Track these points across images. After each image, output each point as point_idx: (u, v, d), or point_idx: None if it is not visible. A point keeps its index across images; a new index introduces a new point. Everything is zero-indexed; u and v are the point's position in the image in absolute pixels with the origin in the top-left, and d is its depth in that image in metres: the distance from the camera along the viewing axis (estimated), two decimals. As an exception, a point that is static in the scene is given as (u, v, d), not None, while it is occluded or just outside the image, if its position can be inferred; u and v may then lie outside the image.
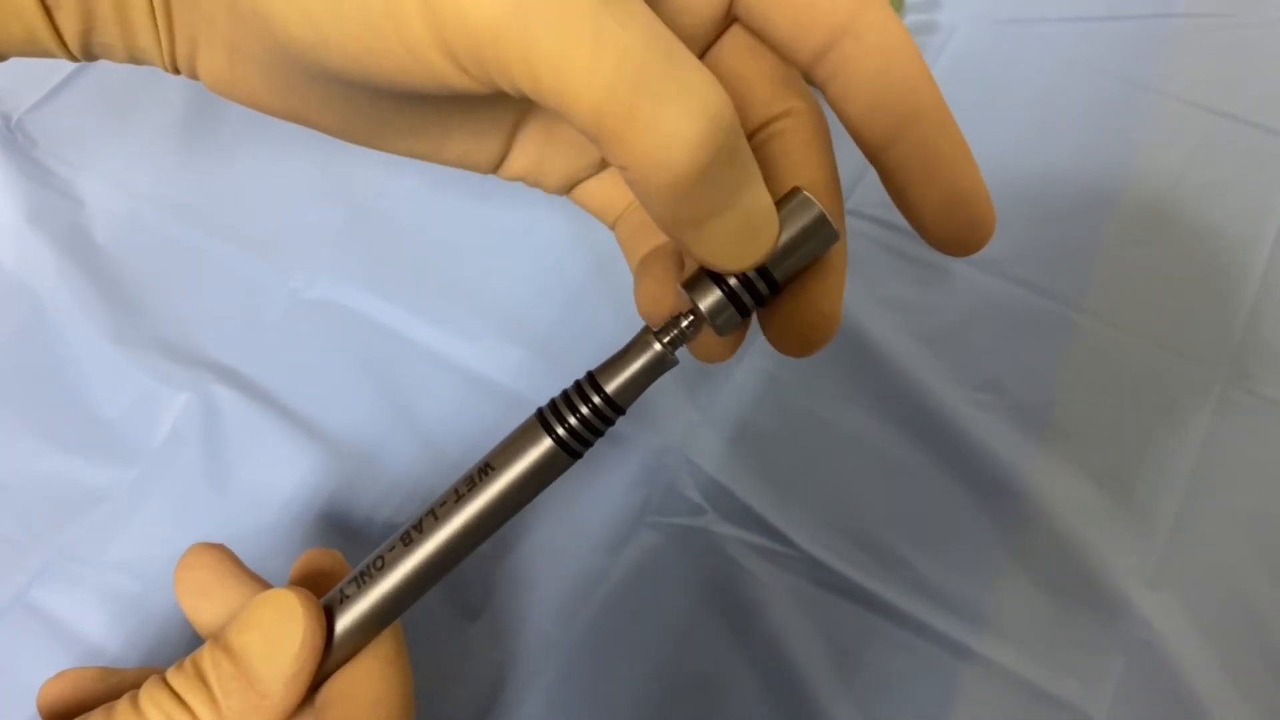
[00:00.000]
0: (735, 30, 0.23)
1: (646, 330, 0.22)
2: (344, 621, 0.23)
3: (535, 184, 0.26)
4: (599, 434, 0.22)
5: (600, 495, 0.37)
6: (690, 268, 0.22)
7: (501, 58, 0.17)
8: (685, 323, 0.22)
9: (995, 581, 0.36)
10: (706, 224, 0.18)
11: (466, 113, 0.24)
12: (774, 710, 0.34)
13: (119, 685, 0.24)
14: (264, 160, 0.44)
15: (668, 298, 0.23)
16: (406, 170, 0.44)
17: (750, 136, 0.22)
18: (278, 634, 0.22)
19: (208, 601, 0.25)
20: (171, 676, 0.22)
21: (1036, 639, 0.35)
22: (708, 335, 0.23)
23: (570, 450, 0.22)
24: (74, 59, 0.23)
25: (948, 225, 0.21)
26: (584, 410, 0.21)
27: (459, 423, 0.39)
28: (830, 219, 0.20)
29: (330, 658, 0.23)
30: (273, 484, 0.37)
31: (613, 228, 0.27)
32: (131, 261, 0.42)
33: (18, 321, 0.40)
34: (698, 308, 0.21)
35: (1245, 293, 0.41)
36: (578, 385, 0.22)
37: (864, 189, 0.44)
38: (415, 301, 0.41)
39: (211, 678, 0.22)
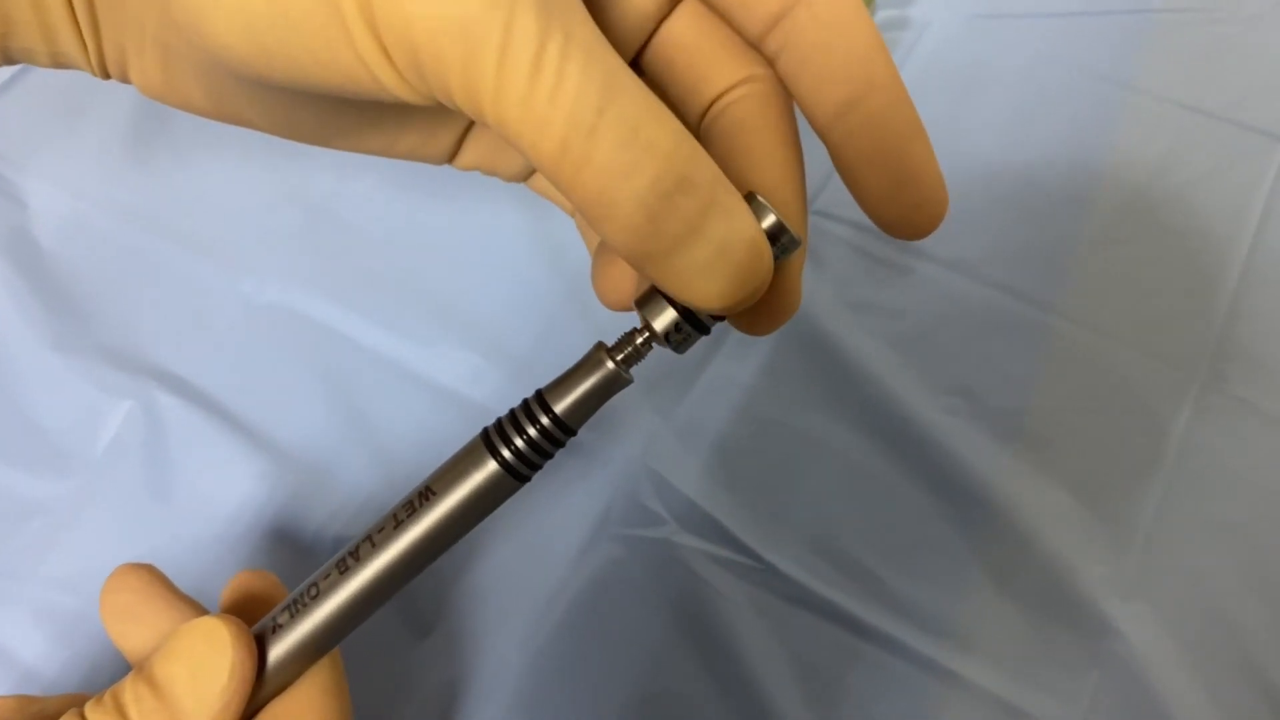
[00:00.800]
0: (688, 2, 0.22)
1: (599, 347, 0.21)
2: (276, 652, 0.22)
3: (491, 173, 0.25)
4: (548, 456, 0.21)
5: (558, 506, 0.36)
6: (644, 283, 0.21)
7: (443, 79, 0.17)
8: (640, 339, 0.20)
9: (966, 594, 0.35)
10: (669, 258, 0.17)
11: (417, 111, 0.23)
12: (736, 729, 0.33)
13: (38, 716, 0.23)
14: (217, 162, 0.42)
15: (625, 283, 0.22)
16: (364, 172, 0.42)
17: (707, 109, 0.21)
18: (205, 665, 0.21)
19: (135, 627, 0.24)
20: (90, 710, 0.21)
21: (1008, 654, 0.34)
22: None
23: (517, 474, 0.21)
24: None
25: (897, 206, 0.20)
26: (531, 432, 0.20)
27: (415, 433, 0.37)
28: (789, 228, 0.19)
29: (262, 689, 0.22)
30: (219, 496, 0.36)
31: (572, 214, 0.26)
32: (76, 266, 0.40)
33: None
34: (651, 328, 0.20)
35: (1223, 294, 0.41)
36: (525, 405, 0.21)
37: (833, 189, 0.43)
38: (371, 307, 0.39)
39: (132, 712, 0.21)
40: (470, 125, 0.24)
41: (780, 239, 0.19)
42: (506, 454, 0.20)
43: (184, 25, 0.18)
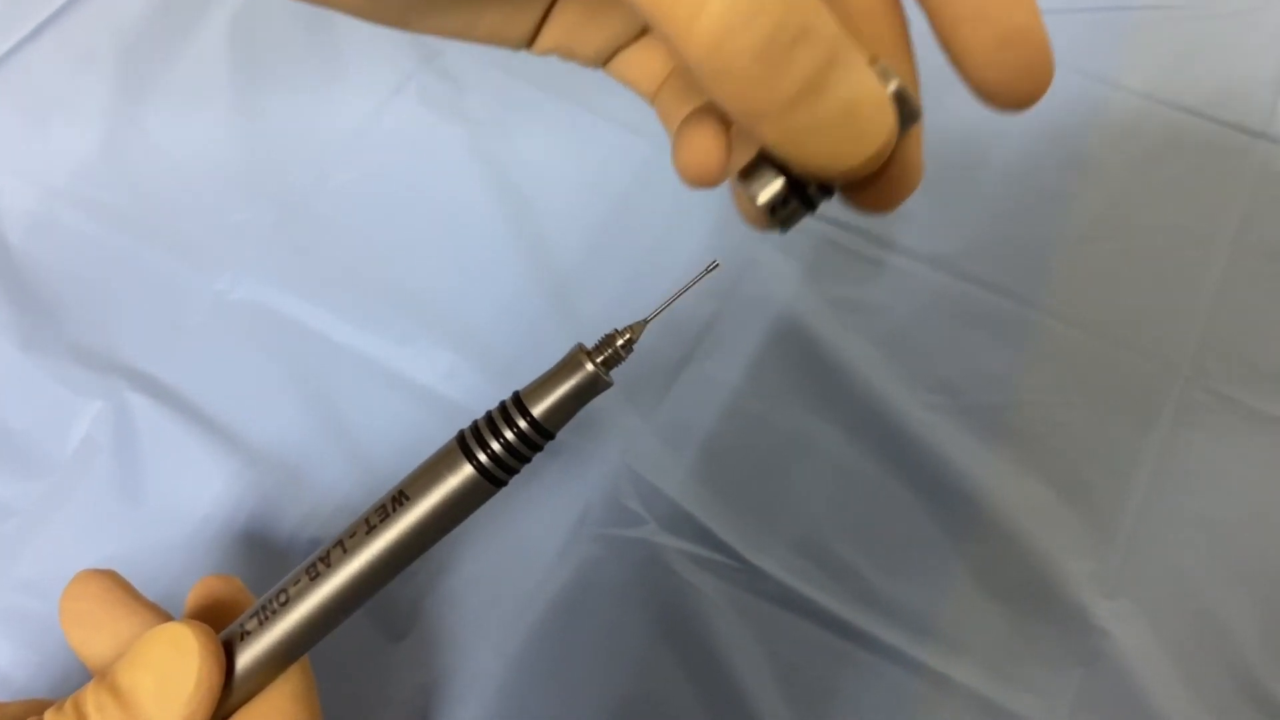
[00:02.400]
0: None
1: (579, 349, 0.20)
2: (244, 659, 0.21)
3: (570, 57, 0.24)
4: (525, 460, 0.20)
5: (536, 506, 0.36)
6: (745, 155, 0.19)
7: None
8: (621, 341, 0.20)
9: (948, 592, 0.35)
10: (789, 116, 0.16)
11: None
12: (717, 731, 0.32)
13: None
14: (190, 156, 0.42)
15: (715, 151, 0.20)
16: (339, 166, 0.42)
17: None
18: (170, 673, 0.20)
19: (96, 634, 0.23)
20: (51, 717, 0.21)
21: (991, 652, 0.33)
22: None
23: (493, 478, 0.20)
24: None
25: (1000, 69, 0.18)
26: (509, 435, 0.20)
27: (390, 432, 0.37)
28: (911, 96, 0.18)
29: (230, 697, 0.22)
30: (191, 498, 0.35)
31: (653, 102, 0.24)
32: (44, 262, 0.39)
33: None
34: (755, 200, 0.18)
35: (1206, 290, 0.40)
36: (502, 407, 0.20)
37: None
38: (346, 304, 0.39)
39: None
40: (552, 4, 0.23)
41: (904, 108, 0.17)
42: (483, 458, 0.20)
43: None
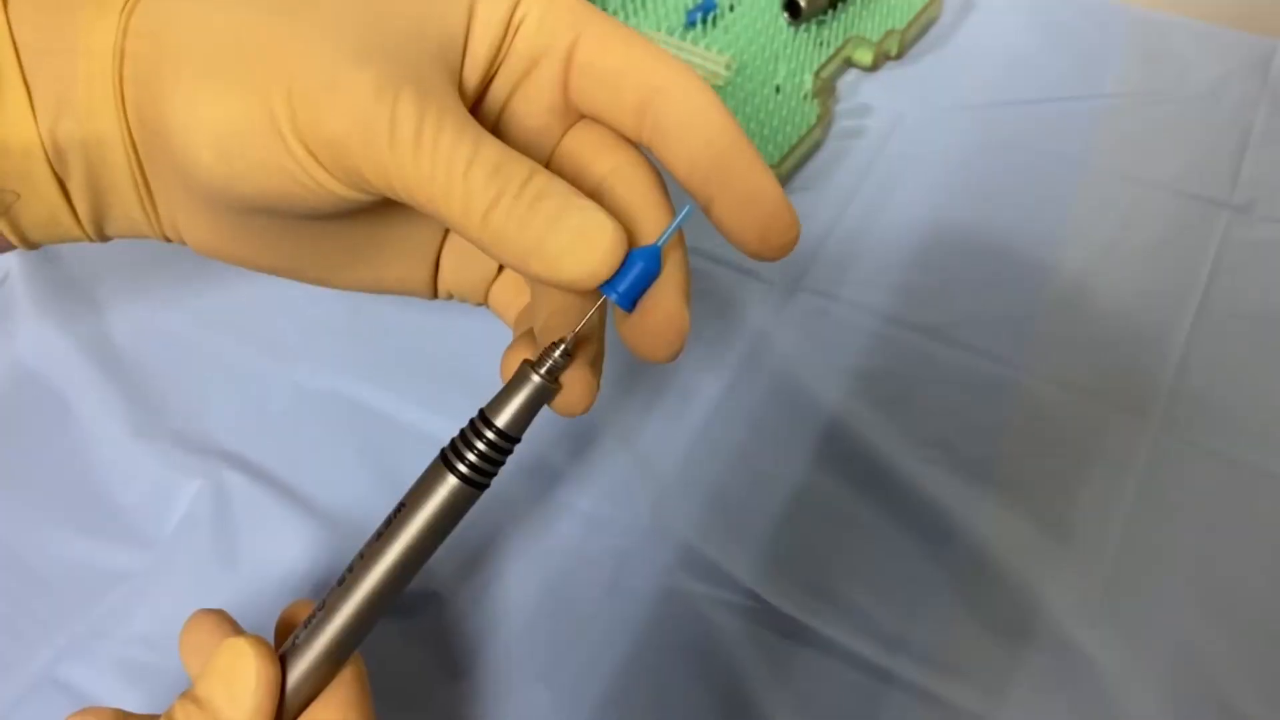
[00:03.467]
0: (578, 122, 0.27)
1: (525, 365, 0.24)
2: (300, 663, 0.25)
3: (463, 299, 0.31)
4: (498, 464, 0.25)
5: (578, 562, 0.40)
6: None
7: (356, 163, 0.22)
8: (558, 352, 0.24)
9: (946, 625, 0.38)
10: (542, 246, 0.22)
11: (390, 233, 0.28)
12: (741, 753, 0.36)
13: None
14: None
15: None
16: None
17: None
18: (236, 678, 0.25)
19: (203, 661, 0.27)
20: None
21: (986, 678, 0.37)
22: (568, 388, 0.25)
23: (474, 484, 0.24)
24: (90, 239, 0.28)
25: (749, 227, 0.24)
26: (481, 446, 0.24)
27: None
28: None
29: (294, 699, 0.26)
30: (277, 560, 0.40)
31: (513, 327, 0.30)
32: (148, 361, 0.46)
33: (46, 421, 0.44)
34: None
35: (1174, 346, 0.45)
36: (472, 424, 0.25)
37: (818, 268, 0.48)
38: (407, 388, 0.44)
39: None
40: (440, 253, 0.30)
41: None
42: (462, 468, 0.24)
43: (184, 167, 0.24)
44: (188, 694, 0.25)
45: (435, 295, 0.31)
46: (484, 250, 0.23)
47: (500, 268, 0.30)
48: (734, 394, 0.44)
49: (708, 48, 0.54)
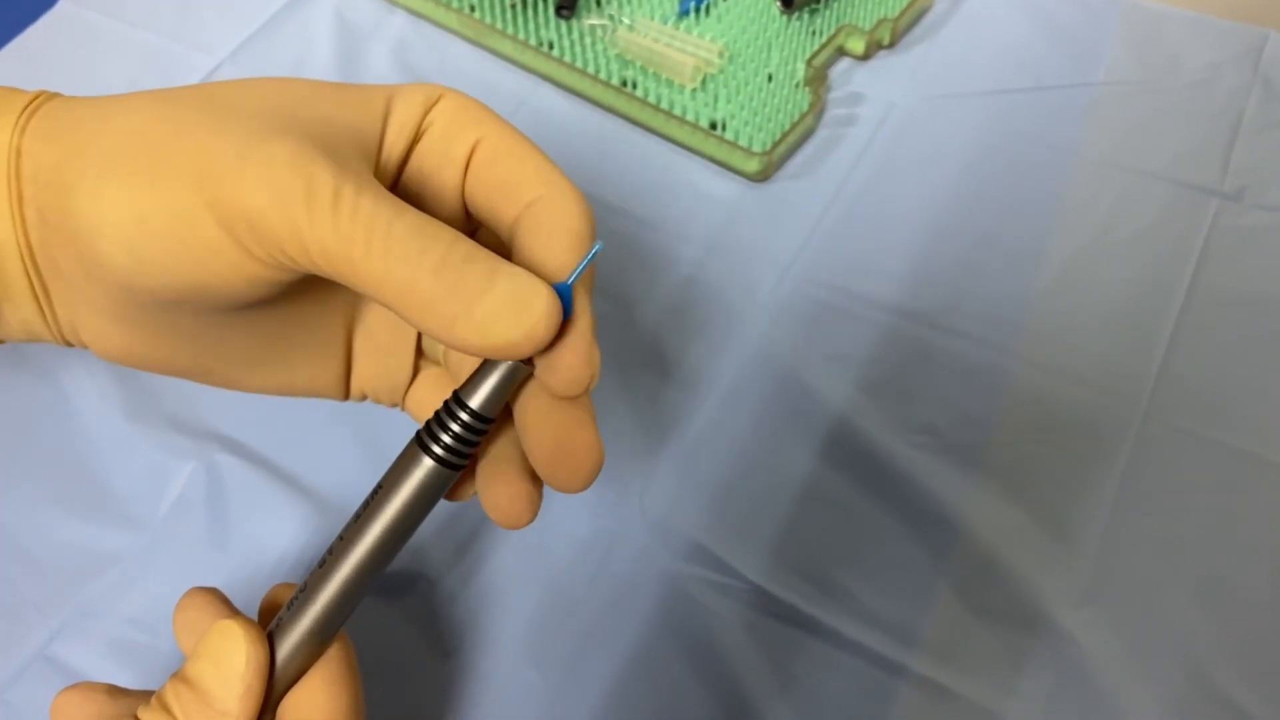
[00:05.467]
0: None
1: None
2: (286, 642, 0.26)
3: (377, 400, 0.30)
4: (473, 445, 0.25)
5: (566, 542, 0.41)
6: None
7: (275, 236, 0.22)
8: None
9: (933, 607, 0.39)
10: (471, 311, 0.22)
11: (299, 329, 0.28)
12: (727, 732, 0.37)
13: (125, 703, 0.27)
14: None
15: (524, 493, 0.26)
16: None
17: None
18: (225, 659, 0.25)
19: (196, 638, 0.27)
20: (143, 712, 0.25)
21: (970, 657, 0.38)
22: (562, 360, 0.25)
23: (448, 464, 0.25)
24: None
25: (557, 467, 0.25)
26: (455, 427, 0.24)
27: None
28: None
29: (282, 676, 0.26)
30: (269, 542, 0.41)
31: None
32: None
33: (41, 405, 0.44)
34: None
35: (1162, 333, 0.45)
36: (446, 406, 0.25)
37: (809, 254, 0.48)
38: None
39: (175, 706, 0.25)
40: (350, 350, 0.29)
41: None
42: (437, 449, 0.25)
43: (91, 263, 0.23)
44: (178, 674, 0.25)
45: (348, 396, 0.30)
46: (407, 319, 0.22)
47: (416, 369, 0.30)
48: (723, 380, 0.45)
49: (701, 36, 0.54)
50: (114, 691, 0.27)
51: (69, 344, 0.27)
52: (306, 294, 0.26)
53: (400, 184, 0.26)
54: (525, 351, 0.22)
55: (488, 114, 0.26)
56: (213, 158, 0.22)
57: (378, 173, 0.25)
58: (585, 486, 0.25)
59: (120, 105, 0.24)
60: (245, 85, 0.25)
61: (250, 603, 0.30)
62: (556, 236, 0.25)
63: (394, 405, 0.30)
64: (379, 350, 0.29)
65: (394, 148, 0.25)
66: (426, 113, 0.26)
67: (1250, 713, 0.36)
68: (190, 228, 0.22)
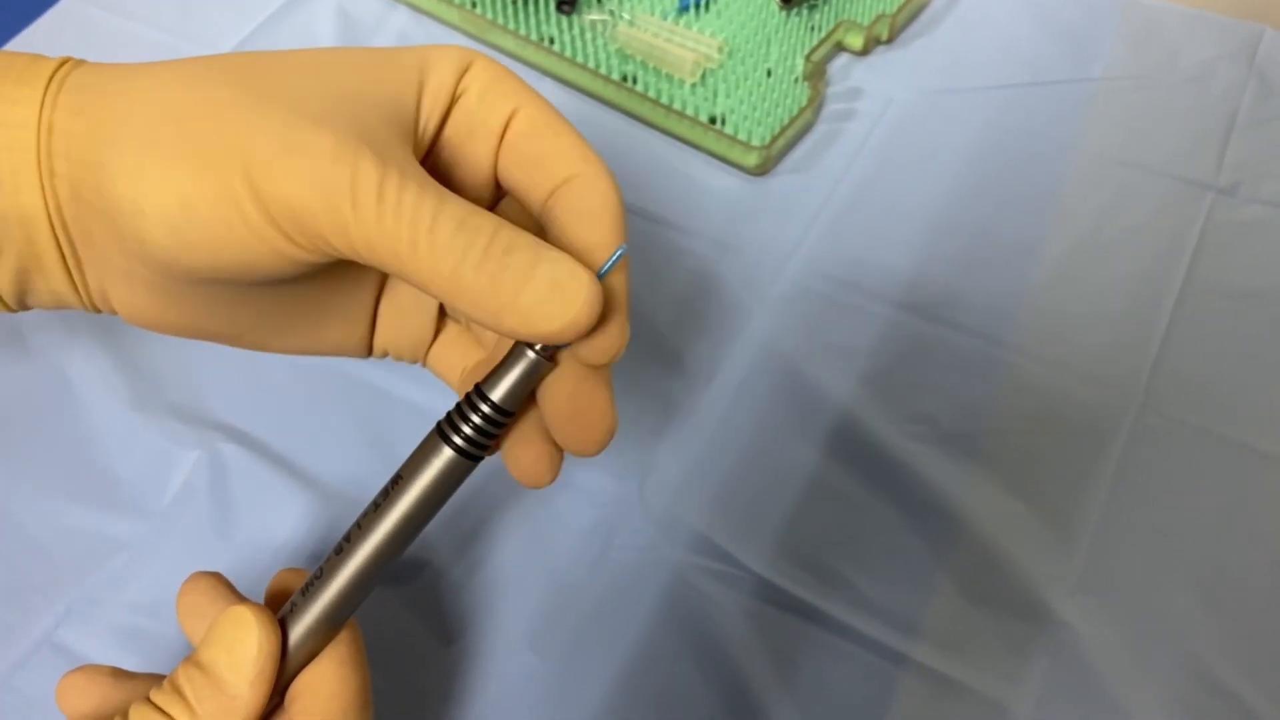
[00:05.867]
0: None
1: (520, 342, 0.25)
2: (298, 628, 0.26)
3: (399, 358, 0.31)
4: (493, 437, 0.25)
5: (566, 531, 0.41)
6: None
7: (318, 227, 0.22)
8: None
9: (930, 595, 0.39)
10: (516, 301, 0.22)
11: (331, 296, 0.28)
12: (725, 719, 0.37)
13: (128, 686, 0.28)
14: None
15: (546, 461, 0.27)
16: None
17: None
18: (238, 644, 0.25)
19: (202, 622, 0.28)
20: (154, 695, 0.26)
21: (967, 644, 0.38)
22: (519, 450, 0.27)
23: (469, 455, 0.25)
24: (11, 310, 0.27)
25: (573, 437, 0.27)
26: (476, 419, 0.25)
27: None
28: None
29: (292, 661, 0.26)
30: (272, 530, 0.41)
31: (459, 390, 0.31)
32: (148, 335, 0.46)
33: (47, 394, 0.45)
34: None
35: (1157, 326, 0.45)
36: (468, 397, 0.25)
37: (808, 248, 0.49)
38: (399, 364, 0.45)
39: (187, 690, 0.25)
40: (376, 312, 0.30)
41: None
42: (458, 440, 0.25)
43: (131, 242, 0.24)
44: (191, 659, 0.26)
45: (370, 354, 0.31)
46: (452, 308, 0.23)
47: (439, 328, 0.30)
48: (723, 372, 0.45)
49: (700, 31, 0.55)
50: (118, 674, 0.28)
51: (98, 310, 0.28)
52: (341, 266, 0.27)
53: (434, 151, 0.27)
54: (569, 338, 0.23)
55: (522, 85, 0.27)
56: (255, 149, 0.22)
57: (415, 142, 0.25)
58: (599, 450, 0.26)
59: (151, 78, 0.24)
60: (278, 60, 0.25)
61: (253, 589, 0.30)
62: (595, 218, 0.25)
63: (415, 361, 0.31)
64: (403, 311, 0.30)
65: (430, 116, 0.26)
66: (460, 78, 0.26)
67: (1246, 701, 0.36)
68: (236, 213, 0.22)
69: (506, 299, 0.22)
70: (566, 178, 0.25)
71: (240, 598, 0.29)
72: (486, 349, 0.30)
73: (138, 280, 0.26)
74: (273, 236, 0.23)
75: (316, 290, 0.28)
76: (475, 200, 0.26)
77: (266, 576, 0.40)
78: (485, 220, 0.23)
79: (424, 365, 0.31)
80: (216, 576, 0.30)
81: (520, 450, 0.27)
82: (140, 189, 0.23)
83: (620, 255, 0.24)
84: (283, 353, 0.29)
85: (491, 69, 0.26)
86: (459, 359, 0.30)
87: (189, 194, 0.22)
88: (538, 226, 0.26)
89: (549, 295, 0.22)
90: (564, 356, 0.25)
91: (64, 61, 0.25)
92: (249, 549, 0.41)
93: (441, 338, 0.31)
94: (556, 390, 0.26)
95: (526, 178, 0.26)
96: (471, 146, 0.27)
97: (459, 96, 0.26)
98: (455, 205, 0.23)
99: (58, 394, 0.45)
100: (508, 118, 0.26)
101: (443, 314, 0.30)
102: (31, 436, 0.44)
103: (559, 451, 0.27)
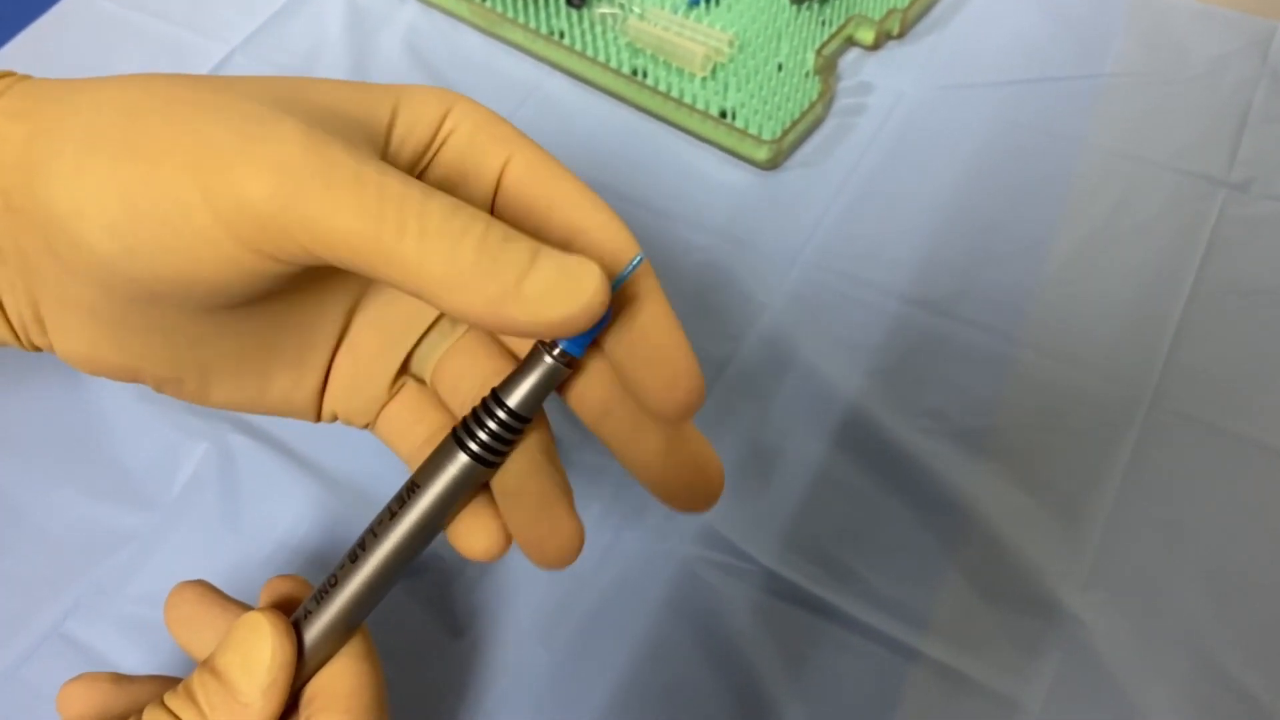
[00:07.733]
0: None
1: (539, 345, 0.24)
2: (311, 634, 0.26)
3: (348, 422, 0.29)
4: (509, 443, 0.25)
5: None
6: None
7: (284, 226, 0.20)
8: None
9: (940, 589, 0.39)
10: (520, 289, 0.20)
11: (283, 335, 0.26)
12: (734, 712, 0.37)
13: (130, 690, 0.28)
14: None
15: (496, 533, 0.26)
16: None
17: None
18: (252, 651, 0.25)
19: (196, 632, 0.28)
20: (168, 699, 0.25)
21: (977, 639, 0.38)
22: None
23: (485, 461, 0.25)
24: None
25: (670, 407, 0.25)
26: (492, 425, 0.24)
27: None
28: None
29: (305, 666, 0.26)
30: (280, 522, 0.41)
31: (407, 460, 0.29)
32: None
33: (55, 385, 0.45)
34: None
35: (1169, 321, 0.45)
36: (484, 403, 0.25)
37: (818, 242, 0.49)
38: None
39: (200, 696, 0.25)
40: (328, 372, 0.28)
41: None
42: (474, 446, 0.24)
43: (67, 249, 0.21)
44: (206, 664, 0.25)
45: (319, 417, 0.29)
46: (443, 304, 0.20)
47: (394, 386, 0.28)
48: (732, 366, 0.45)
49: (711, 25, 0.55)
50: (119, 680, 0.28)
51: (35, 347, 0.26)
52: (296, 295, 0.26)
53: None
54: (581, 327, 0.21)
55: (513, 130, 0.25)
56: (212, 141, 0.20)
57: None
58: (710, 505, 0.26)
59: (99, 82, 0.23)
60: (243, 77, 0.23)
61: (261, 580, 0.29)
62: (617, 263, 0.24)
63: (365, 426, 0.29)
64: (362, 361, 0.28)
65: (403, 145, 0.24)
66: (442, 117, 0.25)
67: (1257, 696, 0.36)
68: (183, 216, 0.20)
69: (510, 285, 0.20)
70: (582, 229, 0.24)
71: (232, 601, 0.29)
72: (448, 411, 0.28)
73: (71, 304, 0.24)
74: (222, 239, 0.20)
75: (268, 325, 0.26)
76: None
77: (275, 569, 0.40)
78: (477, 211, 0.21)
79: (373, 430, 0.29)
80: (202, 584, 0.29)
81: (542, 528, 0.26)
82: (80, 186, 0.21)
83: (639, 262, 0.24)
84: (221, 406, 0.27)
85: (479, 111, 0.25)
86: (410, 423, 0.28)
87: (131, 189, 0.20)
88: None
89: (557, 280, 0.20)
90: (644, 420, 0.25)
91: (5, 74, 0.23)
92: (256, 541, 0.41)
93: (399, 397, 0.29)
94: (672, 451, 0.26)
95: (534, 227, 0.25)
96: (465, 192, 0.25)
97: (446, 137, 0.25)
98: (443, 194, 0.21)
99: (66, 385, 0.45)
100: (503, 164, 0.25)
101: (403, 371, 0.28)
102: (39, 427, 0.44)
103: (579, 523, 0.27)
